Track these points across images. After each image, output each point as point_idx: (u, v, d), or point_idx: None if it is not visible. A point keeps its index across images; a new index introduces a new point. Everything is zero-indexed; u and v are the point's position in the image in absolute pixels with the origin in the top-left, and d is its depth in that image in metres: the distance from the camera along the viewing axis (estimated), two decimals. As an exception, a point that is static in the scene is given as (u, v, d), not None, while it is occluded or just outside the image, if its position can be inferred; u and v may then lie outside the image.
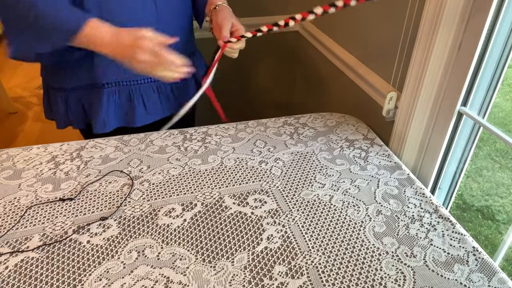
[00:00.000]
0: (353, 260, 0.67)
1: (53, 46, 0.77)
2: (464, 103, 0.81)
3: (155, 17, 0.88)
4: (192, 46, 1.06)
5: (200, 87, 0.94)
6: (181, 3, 0.94)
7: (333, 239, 0.71)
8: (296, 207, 0.78)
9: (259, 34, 0.83)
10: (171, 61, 0.76)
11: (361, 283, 0.63)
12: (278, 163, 0.91)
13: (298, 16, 0.76)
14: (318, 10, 0.74)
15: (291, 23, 0.78)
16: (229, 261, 0.67)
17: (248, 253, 0.68)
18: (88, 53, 0.82)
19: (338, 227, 0.74)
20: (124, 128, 0.98)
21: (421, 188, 0.83)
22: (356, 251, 0.69)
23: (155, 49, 0.74)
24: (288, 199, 0.80)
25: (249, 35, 0.85)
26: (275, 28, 0.81)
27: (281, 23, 0.79)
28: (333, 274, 0.65)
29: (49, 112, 0.99)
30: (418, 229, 0.73)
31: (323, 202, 0.80)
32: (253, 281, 0.63)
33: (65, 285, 0.62)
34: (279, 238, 0.71)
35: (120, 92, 0.93)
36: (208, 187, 0.83)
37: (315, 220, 0.75)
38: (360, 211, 0.77)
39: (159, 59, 0.75)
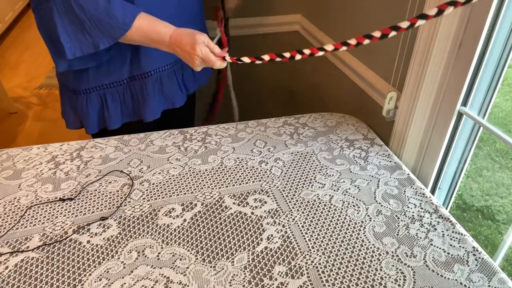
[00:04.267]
0: (353, 260, 0.67)
1: (114, 39, 0.79)
2: (464, 103, 0.81)
3: (178, 7, 0.93)
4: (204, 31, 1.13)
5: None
6: None
7: (333, 239, 0.71)
8: (296, 207, 0.78)
9: (258, 62, 0.79)
10: (213, 63, 0.84)
11: (361, 283, 0.63)
12: (278, 163, 0.91)
13: (307, 51, 0.72)
14: (329, 47, 0.69)
15: (298, 56, 0.73)
16: (229, 261, 0.67)
17: (248, 253, 0.68)
18: (130, 47, 0.88)
19: (338, 227, 0.74)
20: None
21: (421, 188, 0.83)
22: (356, 251, 0.69)
23: (206, 55, 0.81)
24: (288, 199, 0.80)
25: (246, 60, 0.80)
26: (277, 59, 0.76)
27: (287, 55, 0.74)
28: (333, 274, 0.65)
29: (76, 121, 0.98)
30: (418, 229, 0.73)
31: (323, 202, 0.80)
32: (253, 281, 0.63)
33: (65, 285, 0.62)
34: (279, 238, 0.71)
35: (161, 79, 0.97)
36: (208, 187, 0.83)
37: (315, 220, 0.75)
38: (360, 211, 0.77)
39: (207, 62, 0.84)
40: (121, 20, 0.77)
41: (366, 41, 0.65)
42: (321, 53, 0.71)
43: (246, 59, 0.80)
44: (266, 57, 0.77)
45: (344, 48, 0.68)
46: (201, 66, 0.83)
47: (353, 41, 0.66)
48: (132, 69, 0.93)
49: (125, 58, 0.91)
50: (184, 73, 1.02)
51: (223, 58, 0.83)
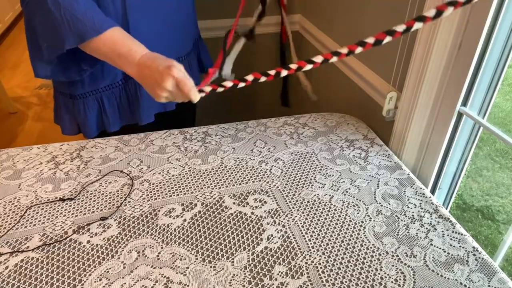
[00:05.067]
0: (353, 260, 0.67)
1: (81, 40, 0.74)
2: (464, 103, 0.81)
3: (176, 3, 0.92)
4: (198, 32, 1.12)
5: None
6: None
7: (333, 239, 0.71)
8: (296, 207, 0.78)
9: (241, 84, 0.69)
10: (189, 89, 0.71)
11: (361, 283, 0.63)
12: (278, 163, 0.91)
13: (293, 66, 0.65)
14: (319, 59, 0.64)
15: (284, 72, 0.66)
16: (229, 261, 0.67)
17: (248, 253, 0.68)
18: None
19: (338, 227, 0.74)
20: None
21: (421, 188, 0.83)
22: (356, 251, 0.69)
23: (182, 78, 0.70)
24: (288, 199, 0.80)
25: (228, 84, 0.70)
26: (262, 78, 0.68)
27: (272, 72, 0.67)
28: (333, 274, 0.65)
29: (73, 125, 0.97)
30: (418, 229, 0.73)
31: (323, 202, 0.80)
32: (253, 281, 0.63)
33: (65, 285, 0.62)
34: (279, 238, 0.71)
35: None
36: (208, 187, 0.83)
37: (315, 220, 0.75)
38: (360, 211, 0.77)
39: (181, 88, 0.71)
40: (98, 23, 0.73)
41: (359, 49, 0.60)
42: (309, 67, 0.65)
43: (229, 83, 0.70)
44: (250, 77, 0.68)
45: (335, 58, 0.63)
46: (168, 95, 0.71)
47: (344, 50, 0.62)
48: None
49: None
50: None
51: (199, 90, 0.71)
